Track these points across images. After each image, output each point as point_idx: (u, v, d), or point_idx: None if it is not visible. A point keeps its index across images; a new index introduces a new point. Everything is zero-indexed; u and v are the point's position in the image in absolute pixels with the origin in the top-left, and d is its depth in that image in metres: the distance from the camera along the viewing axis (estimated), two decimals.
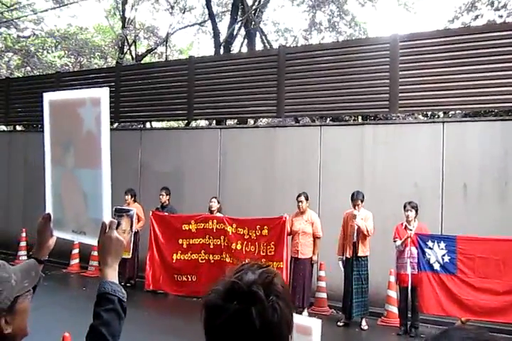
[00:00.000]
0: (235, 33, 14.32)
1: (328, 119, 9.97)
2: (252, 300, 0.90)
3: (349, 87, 7.53)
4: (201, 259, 7.30)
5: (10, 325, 1.19)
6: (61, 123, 1.55)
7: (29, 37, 14.15)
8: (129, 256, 6.83)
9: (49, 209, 1.59)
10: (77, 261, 9.04)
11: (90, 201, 1.46)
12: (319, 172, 7.54)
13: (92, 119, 1.41)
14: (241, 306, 0.90)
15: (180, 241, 7.41)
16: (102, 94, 1.38)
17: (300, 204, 6.62)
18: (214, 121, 12.05)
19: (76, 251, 8.96)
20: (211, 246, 7.22)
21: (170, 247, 7.47)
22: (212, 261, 7.20)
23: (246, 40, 14.50)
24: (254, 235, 6.83)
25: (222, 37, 13.93)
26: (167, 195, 7.96)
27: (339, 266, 6.35)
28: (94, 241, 1.43)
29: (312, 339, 1.39)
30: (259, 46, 14.16)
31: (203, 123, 13.72)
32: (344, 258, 6.32)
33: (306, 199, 6.66)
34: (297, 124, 9.69)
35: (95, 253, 8.82)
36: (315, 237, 6.60)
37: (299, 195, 6.68)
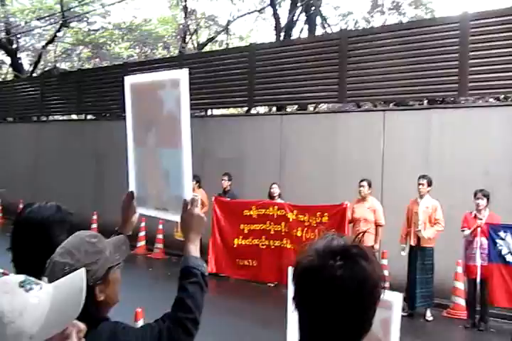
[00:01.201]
0: (295, 18, 14.12)
1: (392, 104, 9.64)
2: (349, 257, 0.91)
3: (415, 70, 7.22)
4: (262, 245, 7.40)
5: (103, 293, 1.27)
6: (142, 105, 1.61)
7: (98, 30, 14.83)
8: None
9: (132, 187, 1.67)
10: (143, 243, 9.49)
11: (172, 179, 1.51)
12: (382, 159, 7.34)
13: (172, 100, 1.45)
14: (338, 263, 0.91)
15: (241, 227, 7.55)
16: (182, 76, 1.42)
17: (362, 189, 6.49)
18: (274, 108, 12.05)
19: (143, 233, 9.39)
20: (272, 232, 7.29)
21: (231, 232, 7.63)
22: (273, 247, 7.29)
23: (306, 26, 14.26)
24: (315, 222, 6.81)
25: (283, 23, 13.80)
26: (229, 180, 8.09)
27: (401, 254, 6.20)
28: (175, 217, 1.49)
29: (392, 314, 1.34)
30: (319, 31, 13.89)
31: (262, 109, 13.76)
32: (408, 247, 6.16)
33: (369, 185, 6.52)
34: (359, 109, 9.46)
35: (160, 236, 9.23)
36: (377, 225, 6.46)
37: (361, 181, 6.55)
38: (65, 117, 13.68)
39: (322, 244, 0.95)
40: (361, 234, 1.01)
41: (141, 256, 9.23)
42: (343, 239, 0.96)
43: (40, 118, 13.63)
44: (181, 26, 15.44)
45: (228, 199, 7.87)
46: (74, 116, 13.48)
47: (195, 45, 15.93)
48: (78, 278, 0.96)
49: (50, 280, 1.03)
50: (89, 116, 12.71)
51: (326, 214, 6.71)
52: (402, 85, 7.37)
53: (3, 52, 16.74)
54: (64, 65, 17.21)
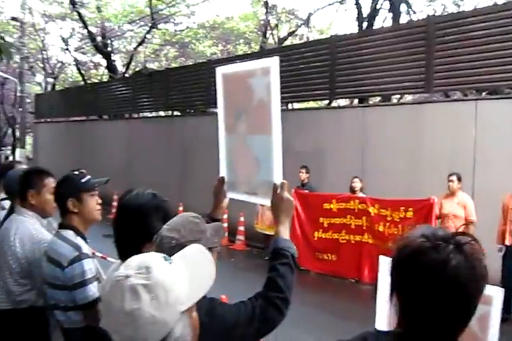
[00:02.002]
0: (378, 7, 13.64)
1: (485, 93, 8.97)
2: (461, 243, 0.92)
3: (510, 56, 6.65)
4: (342, 239, 7.30)
5: None
6: (233, 94, 1.68)
7: (183, 30, 15.50)
8: (274, 233, 7.12)
9: (223, 173, 1.76)
10: (225, 234, 9.80)
11: (262, 164, 1.57)
12: (473, 152, 6.88)
13: (262, 88, 1.50)
14: (451, 247, 0.91)
15: (321, 220, 7.50)
16: (272, 64, 1.45)
17: (451, 183, 6.14)
18: (355, 100, 11.78)
19: (225, 225, 9.67)
20: (352, 227, 7.16)
21: (311, 225, 7.61)
22: (353, 242, 7.15)
23: (390, 14, 13.71)
24: (398, 217, 6.57)
25: (365, 13, 13.39)
26: (306, 172, 8.08)
27: (499, 255, 5.75)
28: (265, 201, 1.55)
29: (492, 310, 1.30)
30: (404, 19, 13.29)
31: (343, 102, 13.51)
32: (504, 247, 5.71)
33: (459, 179, 6.16)
34: (448, 99, 8.93)
35: (241, 228, 9.48)
36: (468, 222, 6.08)
37: (450, 175, 6.20)
38: (153, 114, 14.47)
39: (429, 231, 0.96)
40: (463, 226, 1.00)
41: (223, 247, 9.55)
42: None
43: (132, 116, 14.57)
44: (262, 22, 15.62)
45: (307, 191, 7.87)
46: (161, 113, 14.23)
47: (276, 40, 16.03)
48: (199, 250, 1.07)
49: (157, 251, 1.14)
50: (175, 113, 13.34)
51: (410, 209, 6.44)
52: (496, 72, 6.83)
53: (99, 55, 18.11)
54: (153, 65, 18.23)
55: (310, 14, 15.51)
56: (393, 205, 6.63)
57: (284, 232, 1.50)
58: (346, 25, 26.93)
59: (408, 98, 12.51)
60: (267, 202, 1.53)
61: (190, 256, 1.06)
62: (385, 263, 1.45)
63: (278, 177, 1.51)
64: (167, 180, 11.64)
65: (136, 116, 14.47)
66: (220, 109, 1.73)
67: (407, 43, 7.82)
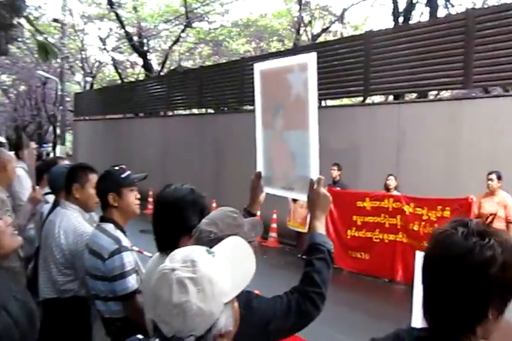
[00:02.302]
0: (414, 1, 13.32)
1: None
2: (492, 236, 0.93)
3: None
4: (375, 238, 7.20)
5: None
6: (270, 90, 1.70)
7: (217, 28, 15.62)
8: (306, 230, 7.14)
9: (260, 168, 1.79)
10: (262, 229, 9.79)
11: (298, 160, 1.59)
12: None
13: (300, 84, 1.51)
14: (485, 240, 0.92)
15: (354, 218, 7.42)
16: (309, 60, 1.47)
17: (490, 182, 5.97)
18: (390, 97, 11.57)
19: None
20: (386, 225, 7.06)
21: (344, 223, 7.55)
22: (387, 241, 7.05)
23: (427, 8, 13.35)
24: (434, 216, 6.42)
25: (401, 8, 13.10)
26: (338, 170, 8.01)
27: None
28: (301, 196, 1.57)
29: None
30: (441, 13, 12.92)
31: (377, 99, 13.28)
32: None
33: (498, 178, 5.97)
34: (487, 95, 8.64)
35: (274, 225, 9.49)
36: (508, 222, 5.89)
37: (489, 173, 6.02)
38: (187, 112, 14.67)
39: (460, 222, 0.97)
40: (491, 216, 0.98)
41: (256, 244, 9.59)
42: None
43: (167, 113, 14.83)
44: (295, 19, 15.55)
45: (339, 189, 7.80)
46: (195, 111, 14.41)
47: (309, 37, 15.92)
48: (238, 242, 1.10)
49: (196, 244, 1.18)
50: (209, 110, 13.48)
51: (447, 208, 6.28)
52: None
53: (136, 54, 18.50)
54: (187, 63, 18.48)
55: (344, 10, 15.32)
56: (429, 204, 6.48)
57: (320, 227, 1.52)
58: (381, 20, 26.42)
59: (446, 94, 12.17)
60: (304, 197, 1.55)
61: (230, 248, 1.10)
62: (420, 259, 1.44)
63: (314, 173, 1.52)
64: (200, 176, 11.79)
65: (170, 113, 14.72)
66: (258, 105, 1.75)
67: (444, 38, 7.61)
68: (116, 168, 2.22)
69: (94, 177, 2.55)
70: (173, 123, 14.06)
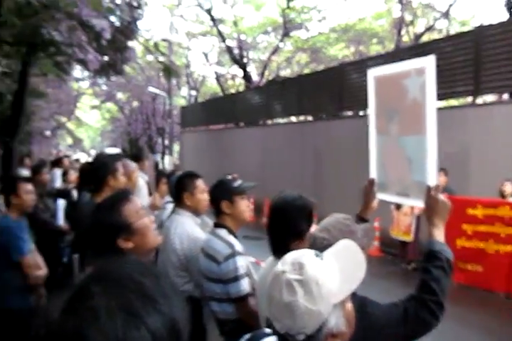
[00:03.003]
0: None
1: None
2: None
3: None
4: (489, 249, 6.64)
5: None
6: (385, 96, 1.71)
7: (315, 35, 15.66)
8: (411, 239, 6.86)
9: (373, 174, 1.80)
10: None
11: (415, 165, 1.57)
12: None
13: (416, 88, 1.51)
14: None
15: (464, 227, 6.91)
16: (427, 63, 1.46)
17: None
18: (504, 95, 10.64)
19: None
20: (502, 236, 6.46)
21: (453, 232, 7.04)
22: (503, 253, 6.45)
23: None
24: None
25: None
26: (444, 175, 7.53)
27: None
28: (417, 203, 1.55)
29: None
30: None
31: (489, 98, 12.27)
32: None
33: None
34: None
35: (376, 233, 9.19)
36: None
37: None
38: (285, 120, 14.88)
39: None
40: None
41: None
42: None
43: (266, 122, 15.19)
44: (396, 19, 15.03)
45: (446, 195, 7.33)
46: (293, 119, 14.57)
47: (412, 37, 15.26)
48: (349, 245, 1.16)
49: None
50: (307, 118, 13.54)
51: None
52: None
53: (236, 66, 19.28)
54: (285, 72, 18.77)
55: (450, 5, 14.44)
56: None
57: (439, 235, 1.49)
58: (493, 13, 24.37)
59: None
60: (420, 204, 1.53)
61: (340, 250, 1.14)
62: None
63: (432, 179, 1.49)
64: (300, 183, 11.84)
65: (269, 122, 15.04)
66: (372, 111, 1.76)
67: None
68: (229, 177, 2.37)
69: (200, 183, 2.73)
70: (272, 131, 14.35)
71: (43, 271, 3.08)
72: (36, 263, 3.05)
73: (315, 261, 1.07)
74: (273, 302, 1.07)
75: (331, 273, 1.06)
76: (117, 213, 1.57)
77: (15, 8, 4.74)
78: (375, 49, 16.45)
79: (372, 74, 1.75)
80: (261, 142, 14.50)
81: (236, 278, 2.18)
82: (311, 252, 1.11)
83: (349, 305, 1.10)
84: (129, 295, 0.61)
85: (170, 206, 3.22)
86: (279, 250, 1.78)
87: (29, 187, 3.11)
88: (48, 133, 25.93)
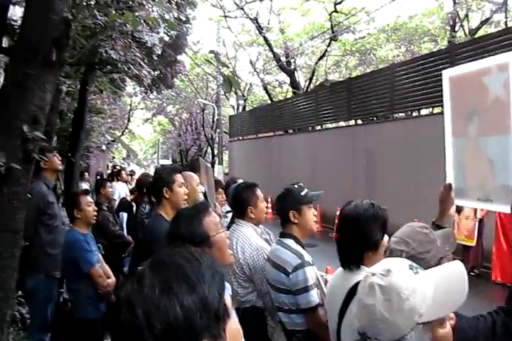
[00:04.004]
0: None
1: None
2: None
3: None
4: None
5: None
6: (463, 96, 1.62)
7: (363, 37, 15.38)
8: (473, 244, 6.49)
9: (450, 179, 1.71)
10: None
11: (499, 168, 1.47)
12: None
13: (498, 86, 1.42)
14: None
15: None
16: (510, 58, 1.37)
17: None
18: None
19: None
20: None
21: None
22: None
23: None
24: None
25: None
26: None
27: None
28: (502, 208, 1.45)
29: None
30: None
31: None
32: None
33: None
34: None
35: None
36: None
37: None
38: (334, 125, 14.70)
39: None
40: None
41: None
42: None
43: (315, 128, 15.06)
44: (449, 15, 14.47)
45: None
46: (342, 123, 14.35)
47: (466, 32, 14.63)
48: (457, 267, 1.10)
49: None
50: (358, 121, 13.29)
51: None
52: None
53: (283, 73, 19.31)
54: (333, 76, 18.57)
55: None
56: None
57: None
58: None
59: None
60: (506, 209, 1.41)
61: (442, 271, 1.08)
62: None
63: None
64: (352, 189, 11.63)
65: (318, 128, 14.90)
66: (447, 113, 1.68)
67: None
68: (296, 186, 2.32)
69: (259, 192, 2.71)
70: (321, 137, 14.20)
71: (111, 280, 3.17)
72: (105, 273, 3.14)
73: (405, 272, 1.02)
74: (356, 300, 1.07)
75: (421, 290, 1.00)
76: (198, 224, 1.58)
77: (81, 30, 4.98)
78: (428, 47, 15.91)
79: (447, 74, 1.66)
80: (310, 148, 14.38)
81: (306, 289, 2.12)
82: (406, 263, 1.06)
83: (443, 331, 1.02)
84: (169, 275, 0.77)
85: (230, 215, 3.22)
86: (351, 261, 1.72)
87: (89, 199, 3.22)
88: (103, 147, 27.10)
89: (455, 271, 1.07)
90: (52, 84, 1.90)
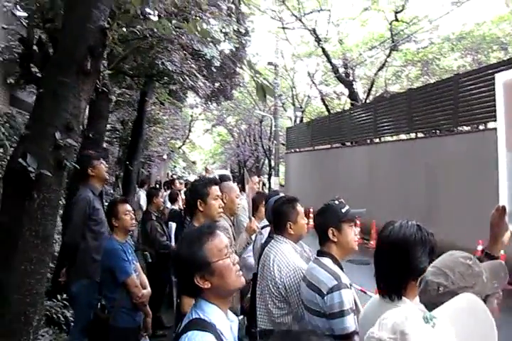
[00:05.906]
0: None
1: None
2: None
3: None
4: None
5: None
6: None
7: (426, 47, 14.77)
8: None
9: (503, 200, 1.50)
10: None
11: None
12: None
13: None
14: None
15: None
16: None
17: None
18: None
19: (480, 247, 8.51)
20: None
21: None
22: None
23: None
24: None
25: None
26: None
27: None
28: None
29: None
30: None
31: None
32: None
33: None
34: None
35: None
36: None
37: None
38: (394, 138, 14.18)
39: None
40: None
41: None
42: None
43: (373, 141, 14.61)
44: None
45: None
46: (402, 136, 13.83)
47: None
48: (472, 305, 0.90)
49: (422, 299, 1.01)
50: (419, 134, 12.73)
51: None
52: None
53: (341, 85, 19.03)
54: (393, 88, 18.03)
55: None
56: None
57: None
58: None
59: None
60: None
61: (460, 312, 0.88)
62: None
63: None
64: (411, 206, 11.09)
65: (377, 141, 14.45)
66: (501, 123, 1.48)
67: None
68: (336, 202, 2.17)
69: (300, 208, 2.60)
70: (380, 150, 13.74)
71: (147, 291, 3.15)
72: (142, 283, 3.13)
73: (423, 331, 0.84)
74: None
75: None
76: (198, 249, 1.48)
77: (136, 43, 5.14)
78: (497, 56, 14.99)
79: (501, 78, 1.46)
80: (368, 161, 13.95)
81: (341, 314, 1.95)
82: (419, 316, 0.86)
83: None
84: None
85: (267, 230, 3.09)
86: (390, 289, 1.54)
87: (127, 208, 3.21)
88: (165, 156, 28.03)
89: (473, 308, 0.87)
90: (88, 92, 1.92)
